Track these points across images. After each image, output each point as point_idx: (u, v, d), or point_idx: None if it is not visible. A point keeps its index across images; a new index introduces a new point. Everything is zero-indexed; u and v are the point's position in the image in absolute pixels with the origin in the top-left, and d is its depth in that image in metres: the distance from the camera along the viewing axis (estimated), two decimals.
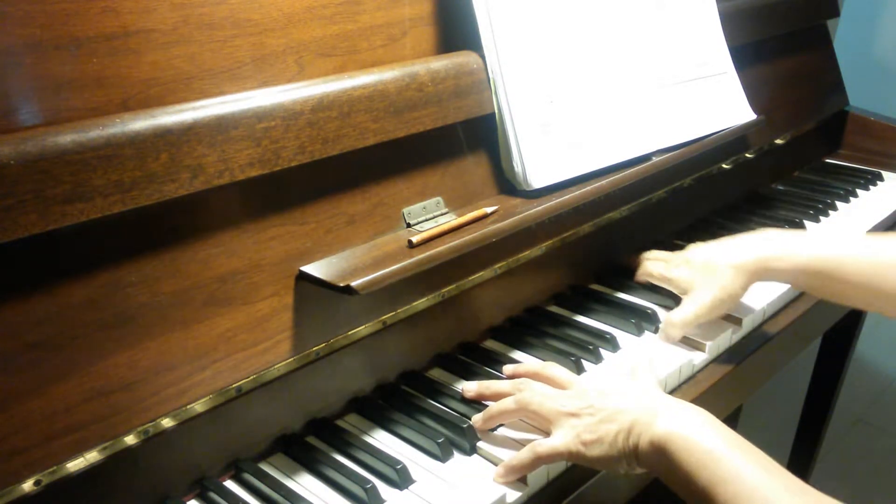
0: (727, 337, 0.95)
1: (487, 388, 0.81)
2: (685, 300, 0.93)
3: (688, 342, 0.93)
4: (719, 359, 0.94)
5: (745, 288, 0.92)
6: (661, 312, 0.99)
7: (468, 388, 0.82)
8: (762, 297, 1.00)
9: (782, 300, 1.04)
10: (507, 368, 0.86)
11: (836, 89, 1.54)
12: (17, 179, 0.57)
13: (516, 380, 0.80)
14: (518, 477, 0.72)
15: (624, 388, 0.74)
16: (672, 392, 0.88)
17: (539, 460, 0.71)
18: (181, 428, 0.69)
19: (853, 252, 0.86)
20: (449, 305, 0.90)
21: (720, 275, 0.91)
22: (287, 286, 0.75)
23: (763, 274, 0.91)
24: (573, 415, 0.72)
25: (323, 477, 0.75)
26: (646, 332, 0.95)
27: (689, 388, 0.89)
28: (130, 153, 0.63)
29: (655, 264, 1.01)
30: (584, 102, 0.97)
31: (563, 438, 0.71)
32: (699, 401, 0.87)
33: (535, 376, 0.80)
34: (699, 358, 0.91)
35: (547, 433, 0.74)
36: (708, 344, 0.92)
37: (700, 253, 0.97)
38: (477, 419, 0.78)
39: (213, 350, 0.70)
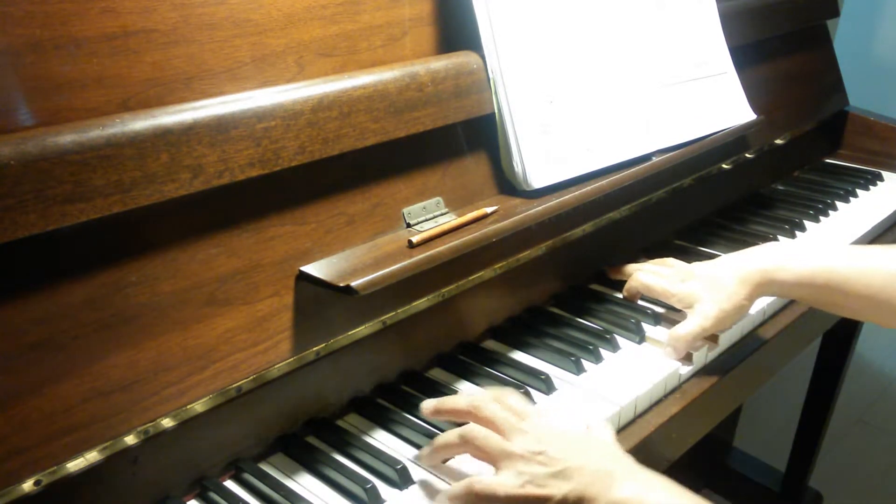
0: (726, 337, 0.95)
1: (443, 404, 0.74)
2: (690, 314, 0.91)
3: None
4: (717, 361, 0.94)
5: (751, 299, 0.91)
6: (660, 312, 0.99)
7: (425, 405, 0.75)
8: (761, 298, 1.00)
9: (781, 301, 1.04)
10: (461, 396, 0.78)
11: (836, 89, 1.54)
12: (17, 179, 0.57)
13: (473, 397, 0.73)
14: None
15: (580, 440, 0.69)
16: (674, 391, 0.88)
17: (474, 498, 0.65)
18: (181, 428, 0.69)
19: (858, 264, 0.86)
20: (449, 305, 0.90)
21: (725, 286, 0.90)
22: (287, 286, 0.75)
23: (767, 287, 0.90)
24: (522, 457, 0.65)
25: (323, 477, 0.75)
26: (646, 332, 0.95)
27: (697, 383, 0.89)
28: (130, 153, 0.63)
29: (652, 277, 0.98)
30: (585, 102, 0.97)
31: (504, 481, 0.65)
32: (702, 397, 0.88)
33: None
34: (702, 356, 0.91)
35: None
36: (708, 343, 0.92)
37: (703, 266, 0.96)
38: (423, 452, 0.73)
39: (212, 350, 0.70)
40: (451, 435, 0.71)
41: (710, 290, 0.91)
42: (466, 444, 0.69)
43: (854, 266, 0.86)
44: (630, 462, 0.68)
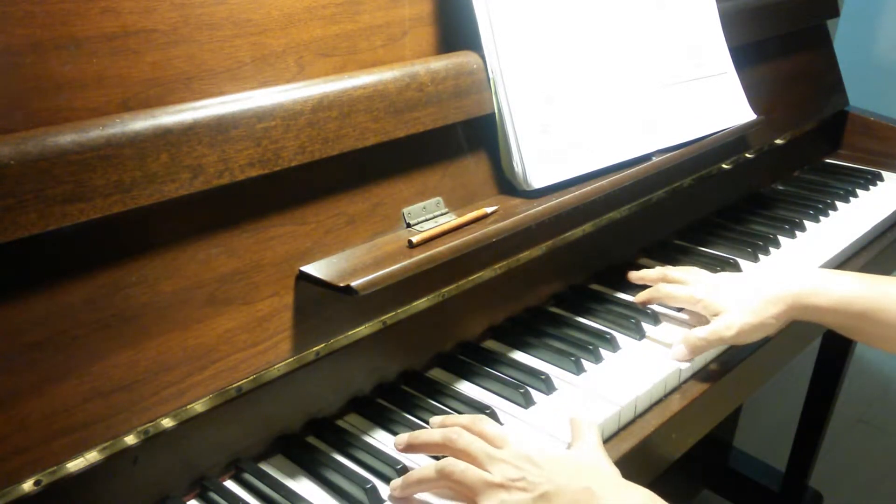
0: None
1: (416, 439, 0.73)
2: (715, 320, 0.90)
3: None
4: (717, 360, 0.94)
5: (779, 320, 0.88)
6: (660, 312, 0.99)
7: (398, 440, 0.75)
8: None
9: None
10: (435, 420, 0.77)
11: (836, 89, 1.54)
12: (17, 179, 0.57)
13: (447, 429, 0.71)
14: None
15: (559, 460, 0.68)
16: (674, 390, 0.88)
17: None
18: (181, 428, 0.69)
19: None
20: (449, 305, 0.90)
21: (753, 302, 0.88)
22: (287, 286, 0.75)
23: (800, 310, 0.88)
24: (502, 486, 0.65)
25: (323, 477, 0.75)
26: (646, 331, 0.95)
27: (697, 383, 0.89)
28: (130, 153, 0.63)
29: (677, 287, 0.96)
30: (584, 102, 0.97)
31: None
32: (702, 397, 0.88)
33: (465, 429, 0.72)
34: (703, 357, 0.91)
35: None
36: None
37: (732, 278, 0.96)
38: (395, 485, 0.70)
39: (212, 350, 0.70)
40: (427, 470, 0.69)
41: (738, 303, 0.90)
42: (444, 479, 0.68)
43: (892, 296, 0.83)
44: (612, 476, 0.68)
